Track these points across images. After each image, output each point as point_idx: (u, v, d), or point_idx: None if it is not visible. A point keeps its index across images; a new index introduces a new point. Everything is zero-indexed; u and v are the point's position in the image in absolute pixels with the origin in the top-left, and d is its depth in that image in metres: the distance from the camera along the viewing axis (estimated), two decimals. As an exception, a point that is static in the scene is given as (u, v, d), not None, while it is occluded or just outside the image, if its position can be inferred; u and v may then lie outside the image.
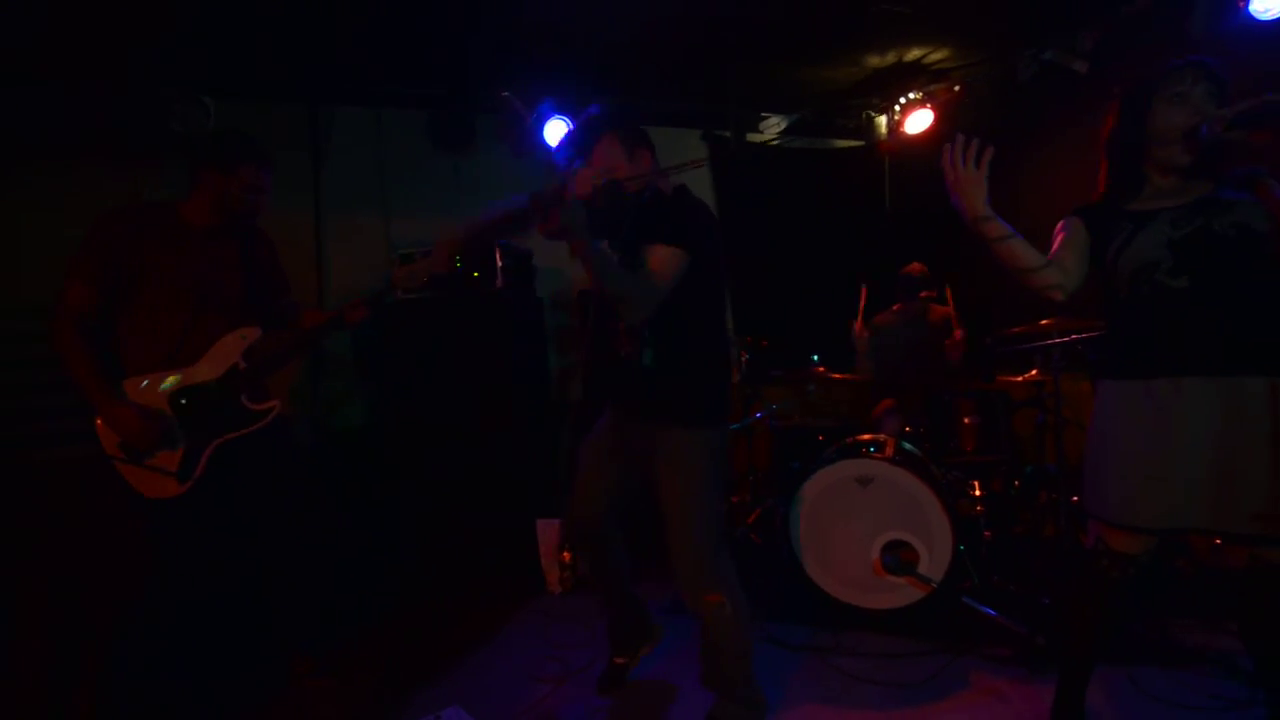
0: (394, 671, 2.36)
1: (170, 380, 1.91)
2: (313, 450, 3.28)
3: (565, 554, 3.03)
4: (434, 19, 2.88)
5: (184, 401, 1.91)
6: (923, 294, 3.32)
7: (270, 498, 2.03)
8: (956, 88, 3.76)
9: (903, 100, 3.88)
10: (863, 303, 3.19)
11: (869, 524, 2.46)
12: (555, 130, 3.54)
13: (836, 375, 3.14)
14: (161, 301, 1.89)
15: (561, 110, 3.54)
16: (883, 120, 4.25)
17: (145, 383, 1.89)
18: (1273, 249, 1.37)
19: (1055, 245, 1.63)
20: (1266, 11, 2.49)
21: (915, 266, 3.37)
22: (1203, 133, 1.39)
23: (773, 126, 4.32)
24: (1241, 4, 2.54)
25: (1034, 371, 2.81)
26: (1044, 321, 2.68)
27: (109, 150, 3.17)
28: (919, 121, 3.81)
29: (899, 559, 2.39)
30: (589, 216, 1.63)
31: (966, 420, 2.79)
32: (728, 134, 4.17)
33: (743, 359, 3.43)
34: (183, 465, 1.89)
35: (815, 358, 3.15)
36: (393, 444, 3.14)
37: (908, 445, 2.71)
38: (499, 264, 3.00)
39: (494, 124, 3.68)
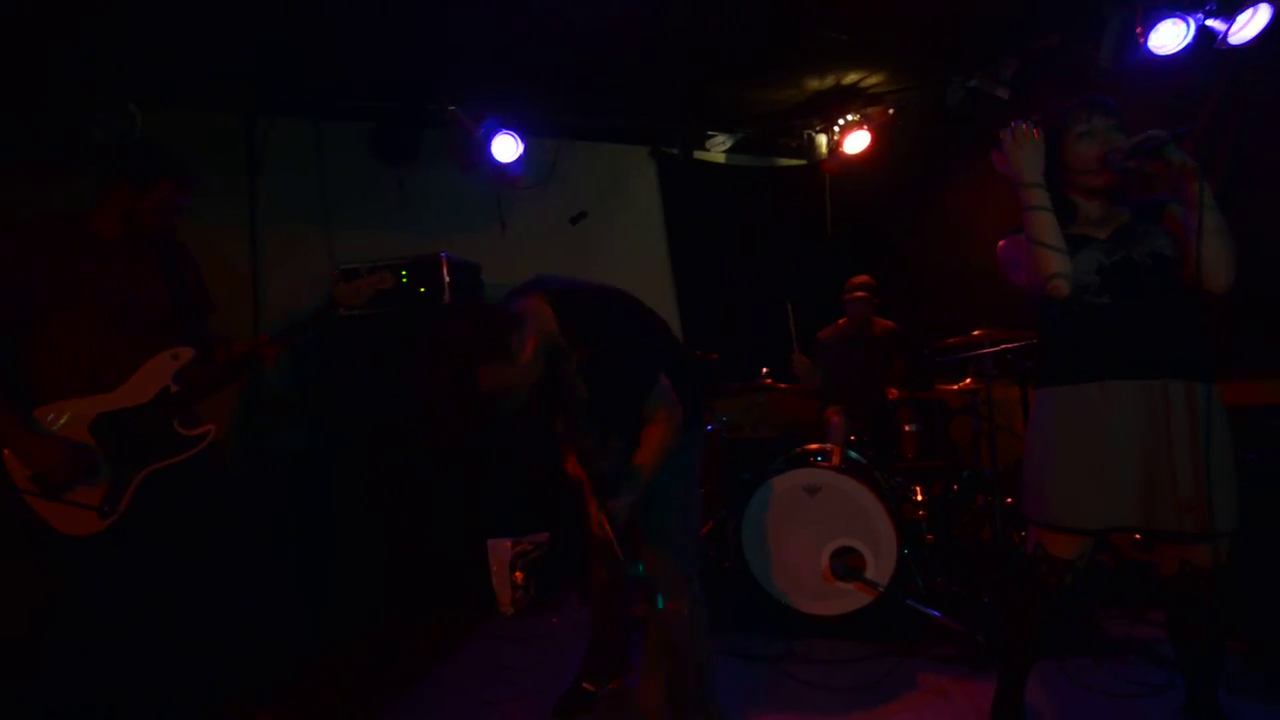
0: (338, 702, 2.26)
1: (91, 406, 1.75)
2: (245, 478, 3.12)
3: (518, 574, 2.97)
4: (377, 31, 2.84)
5: (109, 429, 1.75)
6: (861, 294, 3.40)
7: (201, 530, 1.89)
8: (891, 111, 3.95)
9: (841, 121, 4.04)
10: (793, 323, 3.21)
11: (818, 531, 2.52)
12: (503, 146, 3.52)
13: (785, 386, 3.21)
14: (75, 321, 1.73)
15: (509, 126, 3.54)
16: (823, 140, 4.41)
17: (62, 411, 1.73)
18: (1181, 270, 1.52)
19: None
20: (1162, 47, 2.71)
21: (861, 279, 3.49)
22: (1111, 159, 1.52)
23: (719, 144, 4.42)
24: (1141, 40, 2.77)
25: (968, 380, 2.95)
26: (976, 332, 2.83)
27: (26, 160, 2.98)
28: (857, 142, 3.97)
29: (847, 565, 2.45)
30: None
31: (907, 428, 2.90)
32: (675, 151, 4.25)
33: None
34: (106, 499, 1.73)
35: (764, 370, 3.21)
36: (337, 466, 3.03)
37: (853, 453, 2.79)
38: (446, 279, 2.95)
39: (440, 139, 3.63)
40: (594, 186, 4.08)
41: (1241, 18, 2.54)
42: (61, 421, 1.73)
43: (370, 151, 3.57)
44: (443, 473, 2.98)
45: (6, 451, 1.69)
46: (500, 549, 2.97)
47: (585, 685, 2.12)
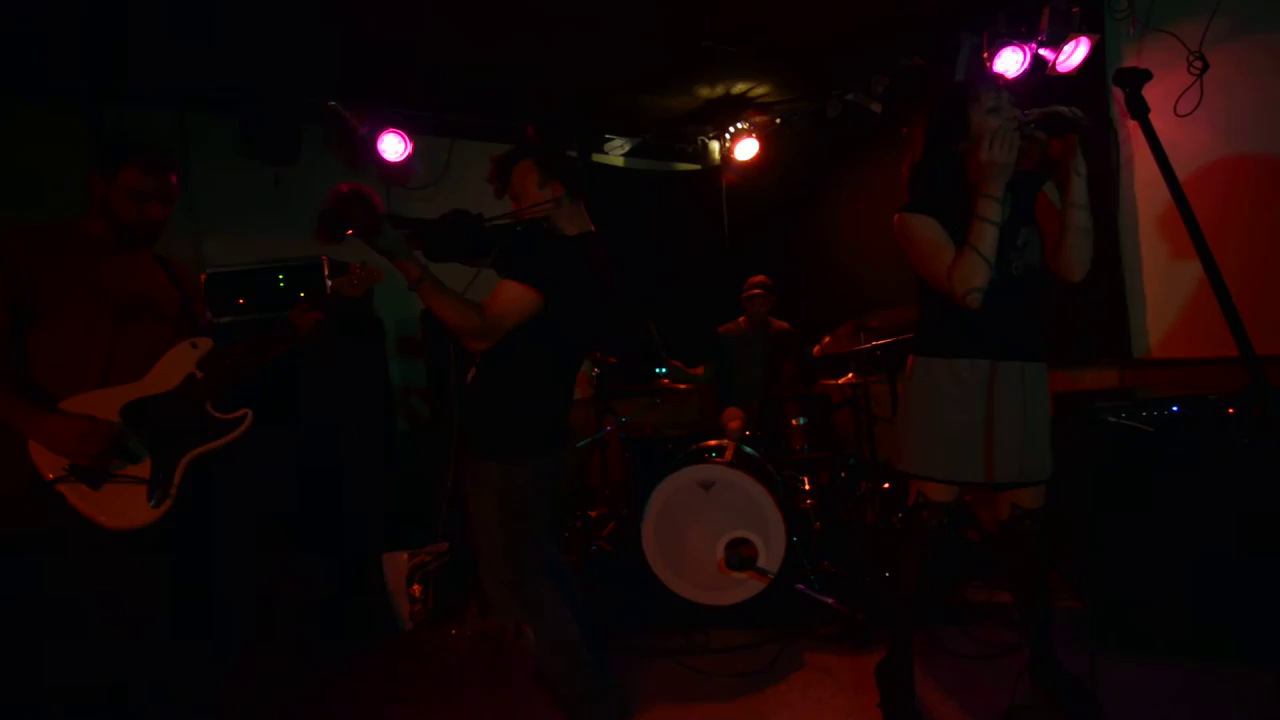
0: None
1: (117, 396, 1.64)
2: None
3: (415, 587, 2.88)
4: (247, 15, 2.65)
5: (140, 415, 1.64)
6: (758, 291, 3.54)
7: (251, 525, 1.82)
8: (778, 120, 4.15)
9: (732, 129, 4.20)
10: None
11: (713, 525, 2.61)
12: (392, 145, 3.40)
13: (682, 386, 3.30)
14: (85, 317, 1.64)
15: (396, 124, 3.41)
16: (716, 146, 4.57)
17: (88, 402, 1.61)
18: (1046, 275, 1.72)
19: (943, 245, 1.68)
20: (1005, 71, 3.03)
21: (758, 278, 3.64)
22: (1024, 123, 1.57)
23: (617, 148, 4.48)
24: (989, 64, 3.07)
25: (849, 375, 3.15)
26: (843, 332, 3.02)
27: None
28: (747, 149, 4.15)
29: (741, 555, 2.56)
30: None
31: (794, 422, 3.06)
32: (573, 154, 4.26)
33: (594, 374, 3.50)
34: (154, 483, 1.61)
35: (661, 370, 3.28)
36: (210, 482, 2.80)
37: (747, 448, 2.91)
38: (328, 282, 2.80)
39: (322, 135, 3.45)
40: (489, 187, 4.00)
41: (1066, 48, 2.88)
42: (88, 410, 1.60)
43: (241, 148, 3.33)
44: (329, 489, 2.83)
45: (32, 443, 1.54)
46: (396, 562, 2.87)
47: None
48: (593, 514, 3.47)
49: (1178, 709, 1.81)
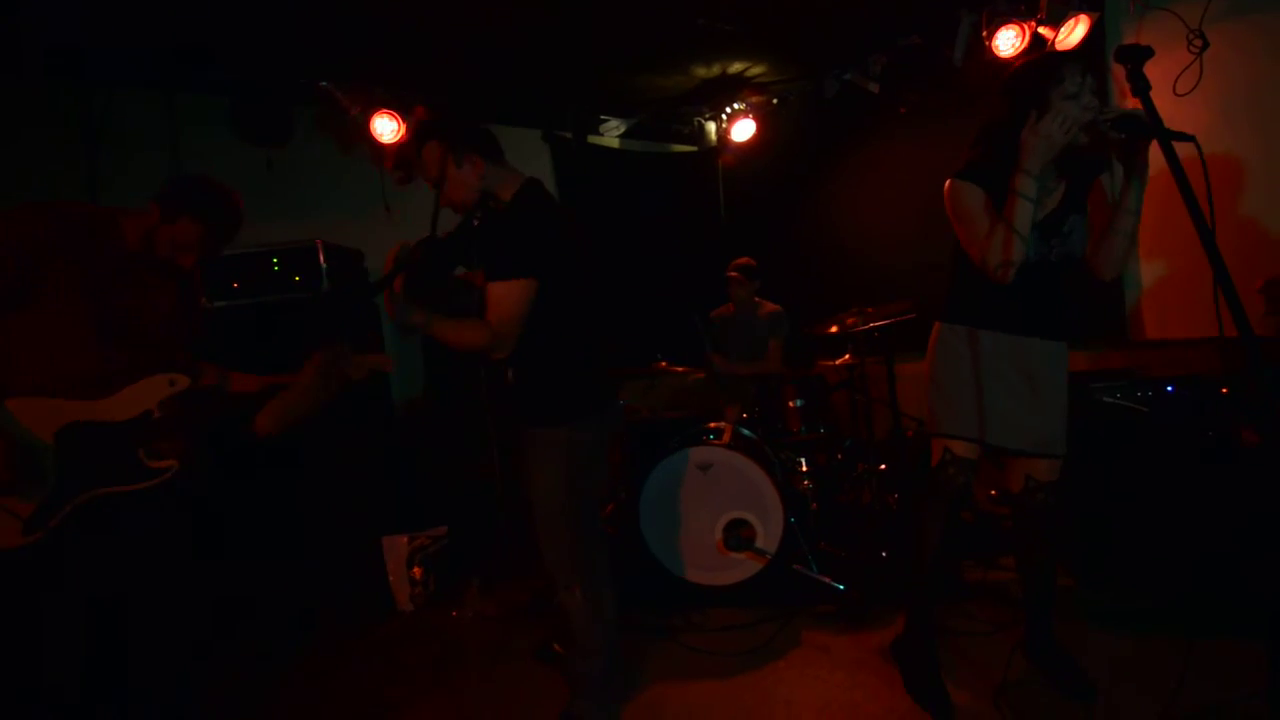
0: (225, 712, 2.13)
1: (66, 411, 1.56)
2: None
3: (415, 570, 2.89)
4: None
5: (74, 439, 1.56)
6: (735, 274, 3.52)
7: (139, 570, 1.69)
8: (774, 100, 4.11)
9: (729, 110, 4.16)
10: (701, 330, 3.32)
11: (711, 506, 2.63)
12: (383, 125, 3.35)
13: (680, 369, 3.30)
14: (77, 316, 1.55)
15: (390, 105, 3.36)
16: (712, 127, 4.52)
17: (36, 409, 1.55)
18: (1084, 263, 1.74)
19: (982, 218, 1.67)
20: (1003, 50, 3.00)
21: (743, 261, 3.62)
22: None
23: (613, 129, 4.43)
24: (988, 42, 3.04)
25: (846, 356, 3.16)
26: (850, 320, 3.02)
27: None
28: (743, 130, 4.11)
29: (739, 536, 2.58)
30: (419, 274, 1.62)
31: (791, 404, 3.06)
32: (569, 135, 4.21)
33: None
34: (38, 513, 1.54)
35: (658, 354, 3.28)
36: (207, 469, 2.80)
37: (744, 431, 2.92)
38: (323, 266, 2.78)
39: (315, 116, 3.40)
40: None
41: (1065, 26, 2.85)
42: (30, 418, 1.54)
43: (232, 129, 3.29)
44: (329, 473, 2.83)
45: None
46: (396, 545, 2.88)
47: (555, 647, 2.21)
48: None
49: (1166, 683, 1.84)
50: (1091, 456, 2.40)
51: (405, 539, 2.88)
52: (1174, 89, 2.72)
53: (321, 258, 2.79)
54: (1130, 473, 2.32)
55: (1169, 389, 2.31)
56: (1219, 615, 2.10)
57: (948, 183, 1.74)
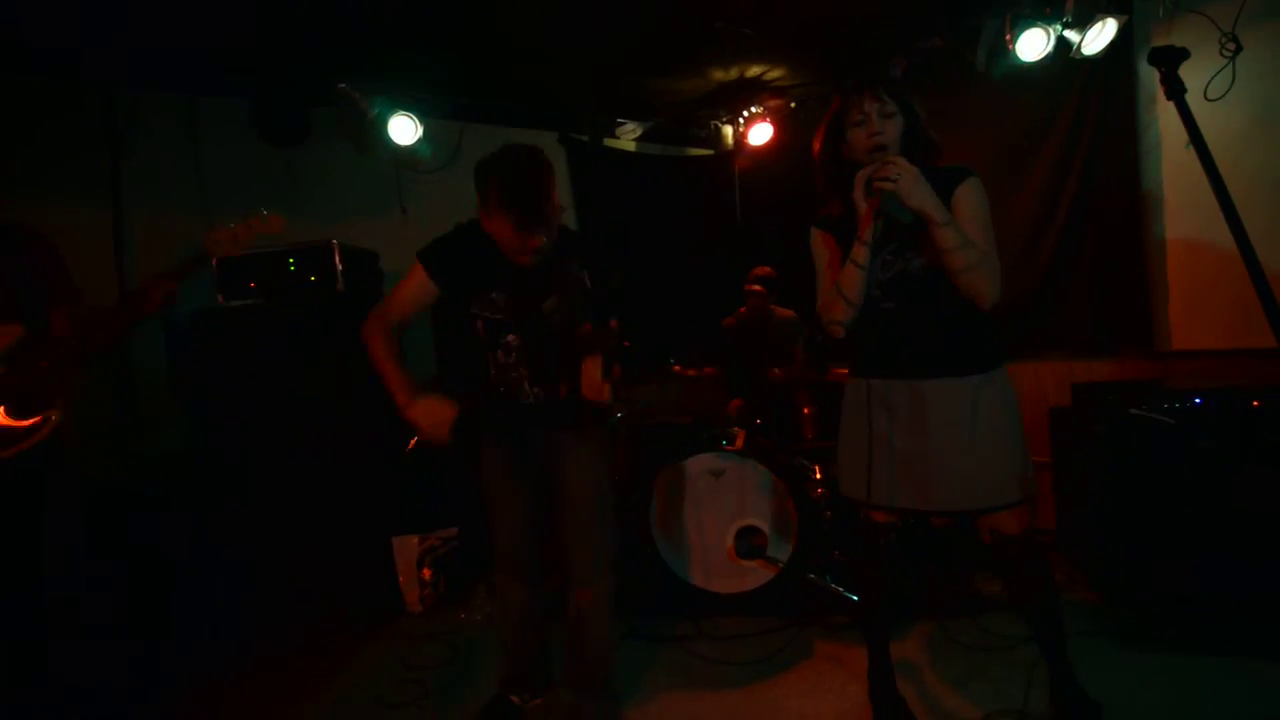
0: (232, 711, 2.13)
1: None
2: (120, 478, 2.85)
3: (425, 571, 2.89)
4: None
5: None
6: (758, 288, 3.51)
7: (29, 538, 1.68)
8: (792, 105, 4.08)
9: (746, 113, 4.13)
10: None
11: (723, 513, 2.60)
12: (401, 128, 3.37)
13: (693, 373, 3.27)
14: None
15: (407, 106, 3.38)
16: (729, 131, 4.50)
17: None
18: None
19: (824, 274, 1.68)
20: (1028, 54, 2.95)
21: (761, 270, 3.59)
22: (866, 190, 1.49)
23: (629, 133, 4.42)
24: (1011, 47, 2.99)
25: (863, 363, 3.11)
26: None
27: None
28: (760, 134, 4.08)
29: (750, 544, 2.54)
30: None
31: (806, 411, 3.03)
32: (585, 138, 4.21)
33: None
34: None
35: (671, 359, 3.26)
36: (220, 469, 2.82)
37: (757, 436, 2.89)
38: (339, 267, 2.79)
39: (333, 117, 3.42)
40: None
41: (1093, 30, 2.79)
42: None
43: (253, 131, 3.32)
44: (341, 472, 2.83)
45: None
46: (406, 545, 2.88)
47: (512, 698, 2.00)
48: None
49: (1193, 704, 1.78)
50: (1116, 469, 2.33)
51: (416, 539, 2.88)
52: (1205, 94, 2.65)
53: (338, 258, 2.81)
54: (1155, 486, 2.25)
55: (1198, 400, 2.24)
56: (1248, 634, 2.04)
57: (810, 229, 1.76)
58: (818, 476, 3.02)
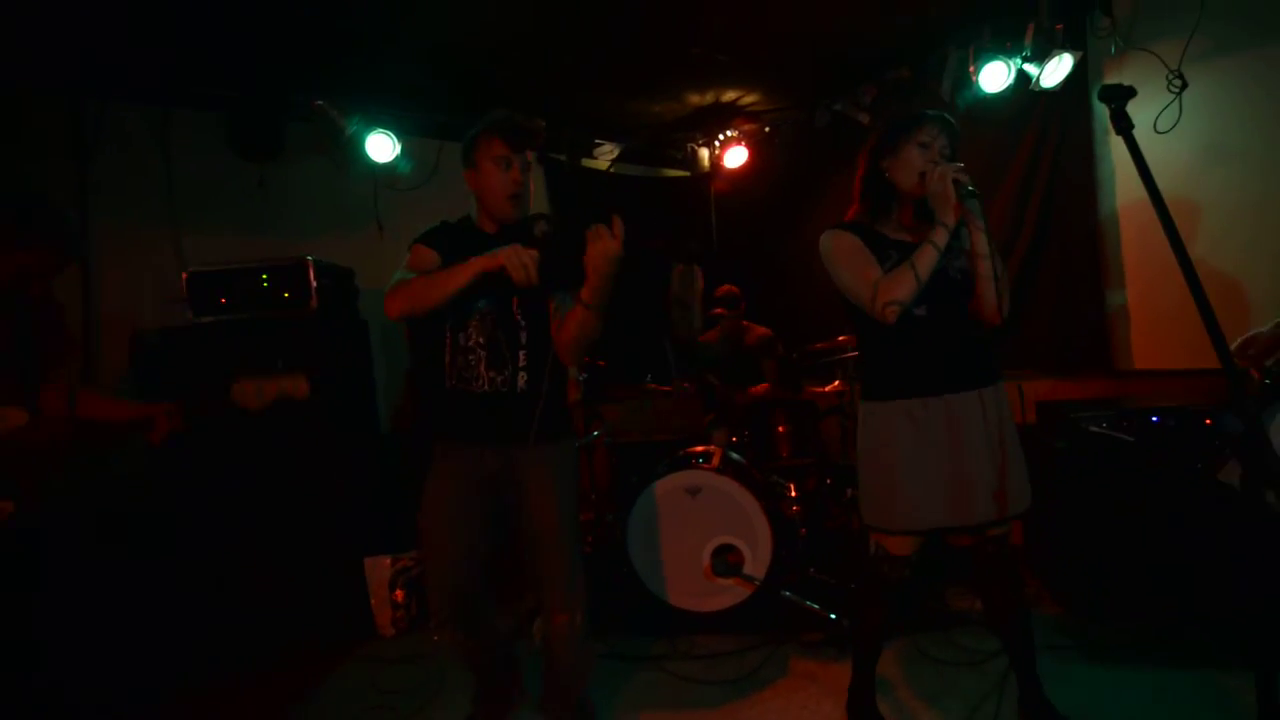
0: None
1: None
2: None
3: (398, 592, 2.84)
4: (232, 12, 2.62)
5: None
6: (723, 310, 3.58)
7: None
8: (767, 129, 4.18)
9: (722, 136, 4.22)
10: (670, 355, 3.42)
11: (699, 531, 2.61)
12: (378, 145, 3.37)
13: (668, 389, 3.30)
14: None
15: (384, 124, 3.39)
16: (705, 153, 4.58)
17: None
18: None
19: (863, 260, 1.68)
20: (990, 86, 3.08)
21: (723, 291, 3.66)
22: (924, 177, 1.61)
23: (606, 153, 4.47)
24: (974, 78, 3.12)
25: (836, 383, 3.17)
26: (841, 338, 3.05)
27: None
28: (736, 157, 4.17)
29: (726, 562, 2.56)
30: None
31: (781, 429, 3.07)
32: (563, 157, 4.25)
33: (581, 378, 3.48)
34: None
35: (649, 376, 3.28)
36: (185, 489, 2.74)
37: (734, 454, 2.91)
38: (313, 284, 2.77)
39: (309, 132, 3.41)
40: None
41: (1050, 64, 2.93)
42: None
43: (226, 144, 3.29)
44: (313, 492, 2.78)
45: None
46: (379, 567, 2.83)
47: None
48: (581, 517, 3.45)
49: (1154, 715, 1.83)
50: (1078, 485, 2.41)
51: (388, 560, 2.83)
52: (1155, 126, 2.79)
53: (312, 275, 2.78)
54: (1116, 501, 2.33)
55: (1154, 419, 2.33)
56: (1207, 644, 2.10)
57: (825, 234, 1.76)
58: (793, 494, 3.06)
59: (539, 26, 2.90)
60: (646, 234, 4.74)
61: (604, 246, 1.68)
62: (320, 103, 3.20)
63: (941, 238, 1.58)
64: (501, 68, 3.31)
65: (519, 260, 1.57)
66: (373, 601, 2.81)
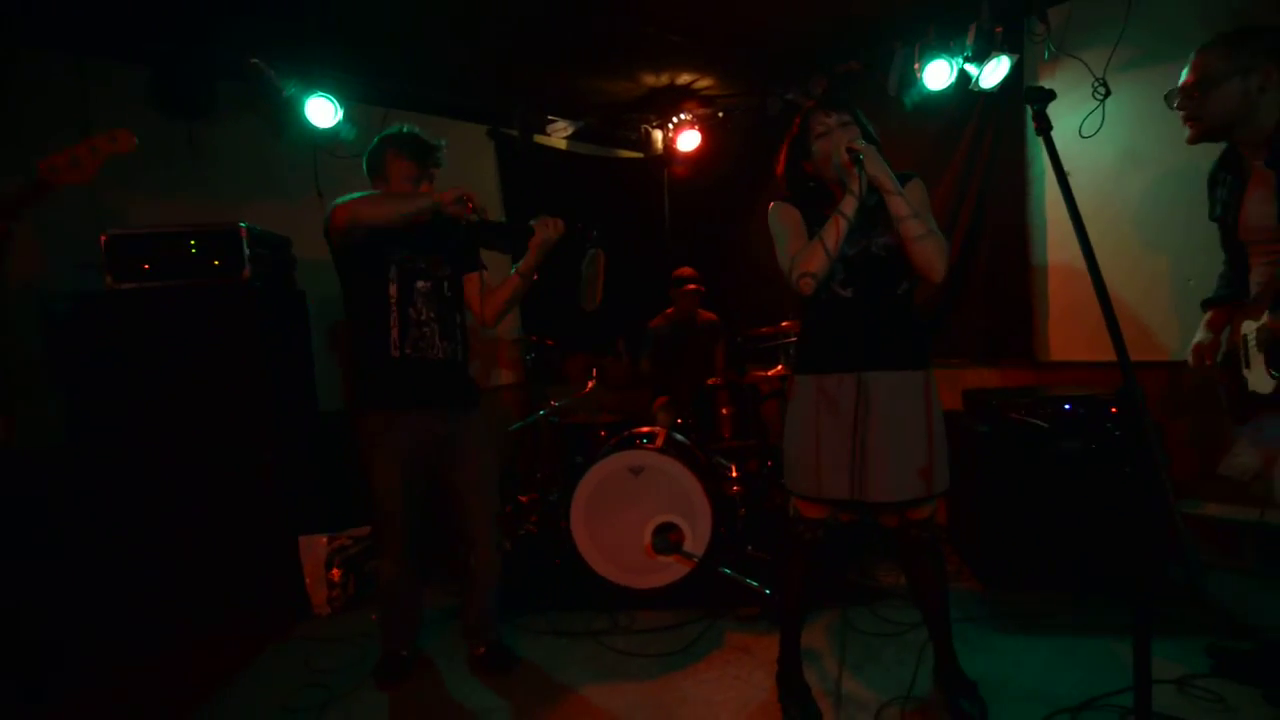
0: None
1: None
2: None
3: (334, 571, 2.78)
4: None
5: None
6: (690, 287, 3.65)
7: None
8: (720, 114, 4.20)
9: (675, 120, 4.22)
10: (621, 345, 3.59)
11: (642, 510, 2.65)
12: (319, 109, 3.22)
13: (617, 371, 3.32)
14: None
15: (328, 88, 3.24)
16: (659, 135, 4.58)
17: None
18: (909, 274, 1.70)
19: (792, 234, 1.75)
20: (933, 83, 3.18)
21: (687, 271, 3.69)
22: (849, 155, 1.62)
23: (560, 130, 4.41)
24: (919, 74, 3.22)
25: (779, 366, 3.25)
26: (784, 323, 3.13)
27: None
28: (689, 140, 4.19)
29: (667, 540, 2.61)
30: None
31: (724, 411, 3.14)
32: (515, 132, 4.17)
33: (529, 358, 3.47)
34: None
35: (591, 347, 3.29)
36: (104, 466, 2.60)
37: (678, 435, 2.96)
38: (246, 252, 2.65)
39: (245, 92, 3.23)
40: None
41: (989, 65, 3.05)
42: None
43: (151, 98, 3.08)
44: (246, 469, 2.69)
45: None
46: (315, 545, 2.76)
47: (403, 652, 2.25)
48: (523, 499, 3.45)
49: (1055, 678, 1.99)
50: (997, 468, 2.56)
51: (325, 539, 2.77)
52: (1080, 131, 2.94)
53: (245, 242, 2.66)
54: (1030, 482, 2.49)
55: (1067, 406, 2.49)
56: (1106, 611, 2.29)
57: (772, 205, 1.83)
58: (734, 474, 3.14)
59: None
60: (599, 214, 4.75)
61: (548, 231, 2.09)
62: (256, 61, 3.03)
63: (850, 206, 1.62)
64: (452, 38, 3.21)
65: (464, 203, 1.87)
66: (308, 581, 2.75)
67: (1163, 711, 1.76)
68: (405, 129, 2.07)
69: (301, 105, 3.20)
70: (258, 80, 3.07)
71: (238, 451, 2.68)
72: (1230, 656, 1.97)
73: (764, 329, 3.25)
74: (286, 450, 2.78)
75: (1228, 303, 1.83)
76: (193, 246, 2.61)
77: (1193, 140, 1.74)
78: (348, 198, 1.92)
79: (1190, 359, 1.88)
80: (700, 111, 4.18)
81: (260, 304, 2.72)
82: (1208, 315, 1.90)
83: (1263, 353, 1.64)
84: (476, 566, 2.19)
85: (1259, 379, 1.67)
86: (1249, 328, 1.70)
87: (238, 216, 2.73)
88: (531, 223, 2.10)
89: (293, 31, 2.97)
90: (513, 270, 2.20)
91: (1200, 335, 1.88)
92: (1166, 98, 1.75)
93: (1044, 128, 1.23)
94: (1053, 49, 3.02)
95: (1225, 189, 1.76)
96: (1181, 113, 1.73)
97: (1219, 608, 2.35)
